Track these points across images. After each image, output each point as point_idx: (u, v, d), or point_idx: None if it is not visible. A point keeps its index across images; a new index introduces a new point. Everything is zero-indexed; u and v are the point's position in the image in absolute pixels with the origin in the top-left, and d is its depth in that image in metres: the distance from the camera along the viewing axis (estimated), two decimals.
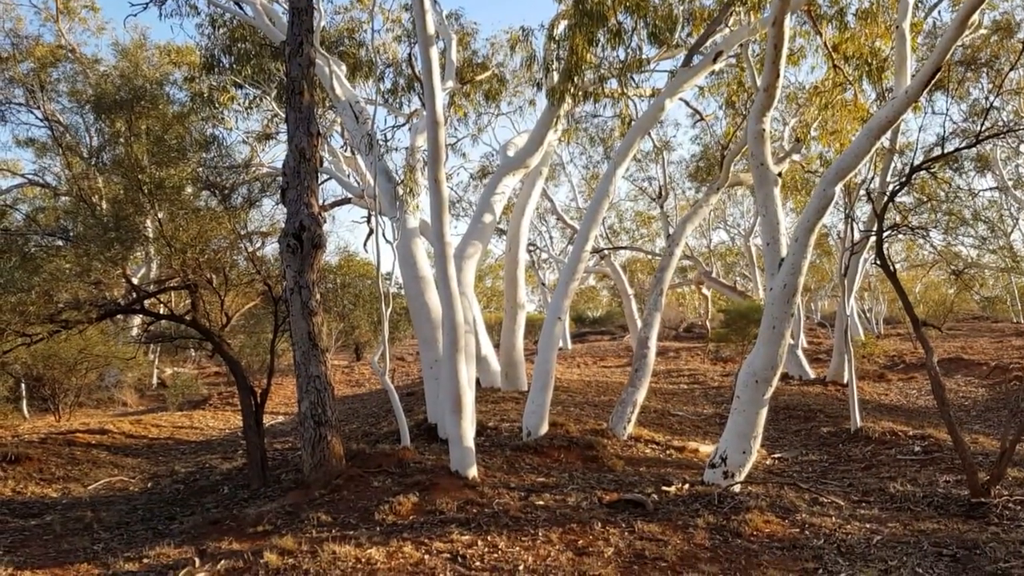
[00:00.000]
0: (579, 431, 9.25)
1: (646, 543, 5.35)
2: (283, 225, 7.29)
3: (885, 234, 7.62)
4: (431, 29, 6.99)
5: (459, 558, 5.09)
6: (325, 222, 7.84)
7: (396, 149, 15.17)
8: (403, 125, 14.35)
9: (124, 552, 5.77)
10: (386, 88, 14.40)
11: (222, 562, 5.14)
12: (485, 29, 44.72)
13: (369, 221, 13.07)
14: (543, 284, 32.20)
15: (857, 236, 12.45)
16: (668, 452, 9.21)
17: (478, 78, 13.98)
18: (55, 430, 12.68)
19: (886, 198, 7.94)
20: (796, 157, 12.14)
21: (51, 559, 5.88)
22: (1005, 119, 15.95)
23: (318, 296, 7.19)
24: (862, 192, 12.05)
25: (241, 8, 11.78)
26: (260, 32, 12.00)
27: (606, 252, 25.18)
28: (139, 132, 10.94)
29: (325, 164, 13.00)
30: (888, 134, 7.60)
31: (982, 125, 8.72)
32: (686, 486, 6.85)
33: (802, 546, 5.34)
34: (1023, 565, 4.84)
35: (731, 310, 21.54)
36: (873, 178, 13.33)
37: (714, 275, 27.36)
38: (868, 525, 5.83)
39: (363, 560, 5.05)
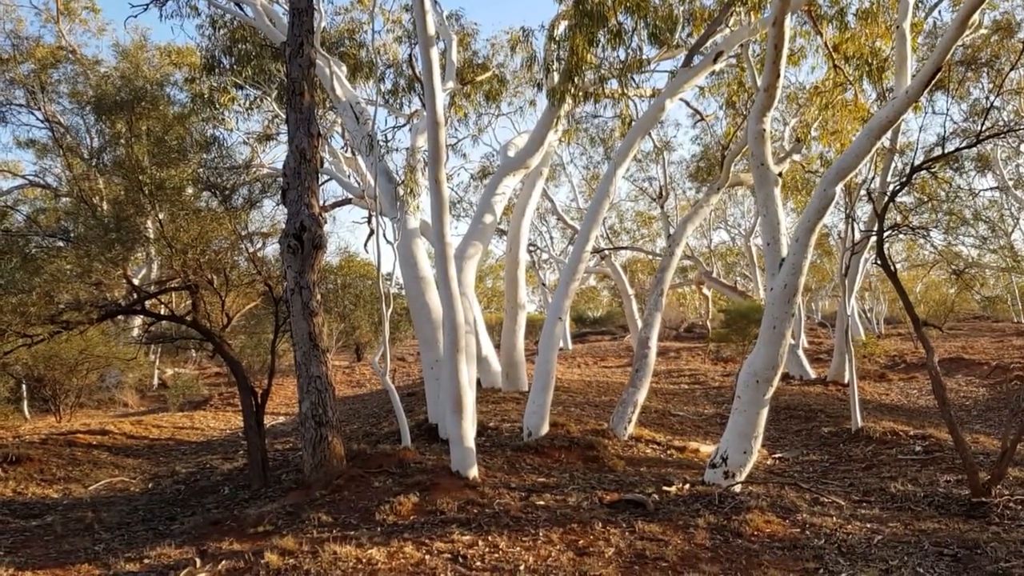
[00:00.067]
0: (580, 431, 9.25)
1: (647, 543, 5.35)
2: (284, 226, 7.29)
3: (886, 234, 7.62)
4: (431, 30, 7.00)
5: (460, 558, 5.09)
6: (326, 223, 7.85)
7: (397, 150, 15.18)
8: (404, 126, 14.37)
9: (125, 552, 5.77)
10: (387, 89, 14.43)
11: (223, 562, 5.15)
12: (485, 30, 44.79)
13: (370, 222, 13.12)
14: (544, 284, 32.21)
15: (858, 236, 12.45)
16: (669, 452, 9.21)
17: (478, 79, 13.98)
18: (56, 431, 12.69)
19: (887, 198, 7.95)
20: (796, 157, 12.14)
21: (52, 560, 5.88)
22: (1005, 119, 15.95)
23: (319, 296, 7.20)
24: (863, 192, 12.04)
25: (241, 9, 11.79)
26: (260, 33, 12.01)
27: (607, 252, 25.18)
28: (140, 133, 10.96)
29: (326, 165, 13.01)
30: (888, 134, 7.60)
31: (982, 125, 8.72)
32: (687, 486, 6.85)
33: (803, 546, 5.34)
34: None
35: (732, 310, 21.55)
36: (874, 178, 13.33)
37: (715, 275, 27.36)
38: (869, 525, 5.83)
39: (364, 560, 5.05)
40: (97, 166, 14.64)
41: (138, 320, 16.32)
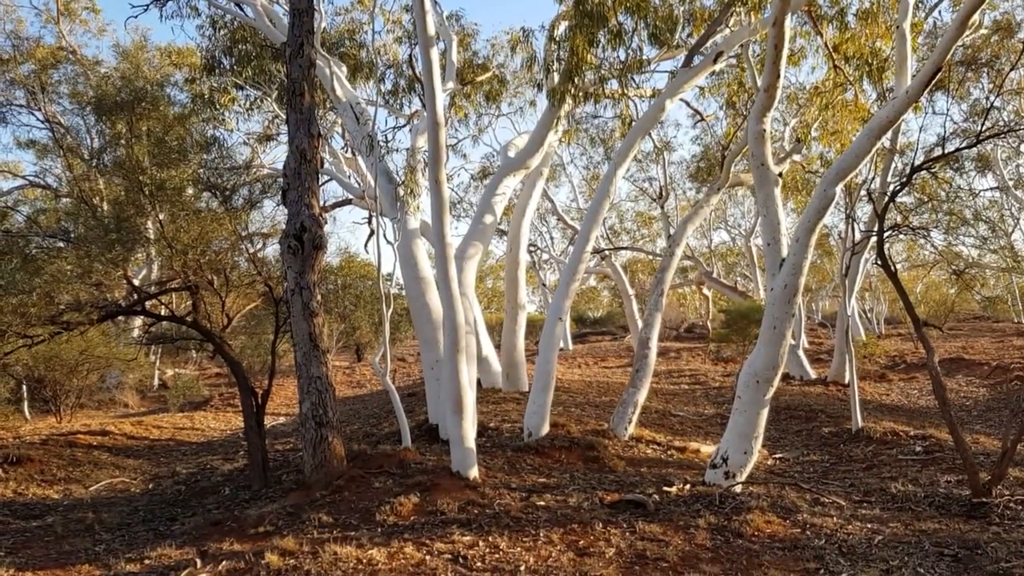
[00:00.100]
0: (580, 432, 9.25)
1: (647, 543, 5.34)
2: (284, 226, 7.29)
3: (886, 234, 7.62)
4: (431, 30, 7.00)
5: (460, 559, 5.09)
6: (326, 223, 7.85)
7: (397, 150, 15.18)
8: (404, 126, 14.36)
9: (125, 553, 5.77)
10: (387, 89, 14.42)
11: (223, 563, 5.15)
12: (486, 30, 44.76)
13: (370, 222, 13.12)
14: (544, 285, 32.20)
15: (858, 236, 12.45)
16: (669, 452, 9.21)
17: (479, 79, 13.98)
18: (56, 431, 12.69)
19: (887, 198, 7.95)
20: (797, 157, 12.14)
21: (52, 560, 5.88)
22: (1006, 119, 15.95)
23: (319, 297, 7.20)
24: (863, 192, 12.04)
25: (242, 9, 11.79)
26: (261, 33, 12.01)
27: (607, 252, 25.18)
28: (140, 133, 10.97)
29: (326, 165, 13.01)
30: (889, 134, 7.60)
31: (983, 125, 8.72)
32: (687, 486, 6.85)
33: (803, 546, 5.34)
34: None
35: (732, 310, 21.56)
36: (874, 178, 13.33)
37: (715, 275, 27.36)
38: (869, 525, 5.83)
39: (364, 561, 5.05)
40: (97, 167, 14.65)
41: (138, 321, 16.32)
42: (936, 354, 7.00)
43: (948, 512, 6.25)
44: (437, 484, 6.62)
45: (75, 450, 11.19)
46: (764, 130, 7.32)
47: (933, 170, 11.98)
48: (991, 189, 21.33)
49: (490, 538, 5.45)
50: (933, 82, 6.36)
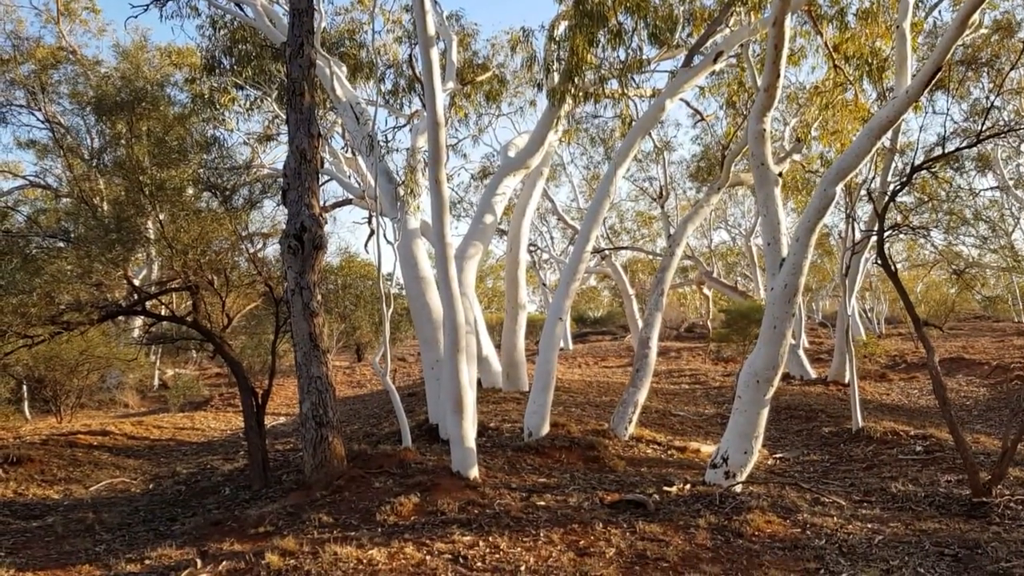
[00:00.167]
0: (580, 431, 9.25)
1: (648, 543, 5.35)
2: (284, 226, 7.29)
3: (886, 234, 7.62)
4: (431, 30, 6.99)
5: (460, 559, 5.09)
6: (326, 223, 7.85)
7: (397, 150, 15.16)
8: (404, 126, 14.36)
9: (126, 553, 5.77)
10: (387, 89, 14.42)
11: (224, 563, 5.15)
12: (486, 30, 44.75)
13: (370, 222, 13.12)
14: (544, 284, 32.20)
15: (858, 236, 12.44)
16: (669, 452, 9.21)
17: (479, 79, 13.98)
18: (57, 431, 12.69)
19: (887, 198, 7.95)
20: (797, 157, 12.14)
21: (53, 560, 5.89)
22: (1006, 119, 15.94)
23: (319, 297, 7.20)
24: (863, 192, 12.04)
25: (242, 9, 11.79)
26: (261, 33, 12.01)
27: (607, 252, 25.19)
28: (140, 133, 10.98)
29: (326, 165, 13.01)
30: (889, 134, 7.60)
31: (983, 125, 8.72)
32: (687, 486, 6.85)
33: (804, 546, 5.34)
34: None
35: (732, 310, 21.56)
36: (874, 178, 13.33)
37: (715, 275, 27.37)
38: (870, 525, 5.83)
39: (364, 561, 5.05)
40: (98, 167, 14.65)
41: (139, 321, 16.33)
42: (936, 354, 7.00)
43: (948, 512, 6.25)
44: (437, 484, 6.62)
45: (75, 450, 11.19)
46: (764, 130, 7.32)
47: (933, 170, 11.98)
48: (991, 189, 21.34)
49: (490, 538, 5.45)
50: (933, 82, 6.36)
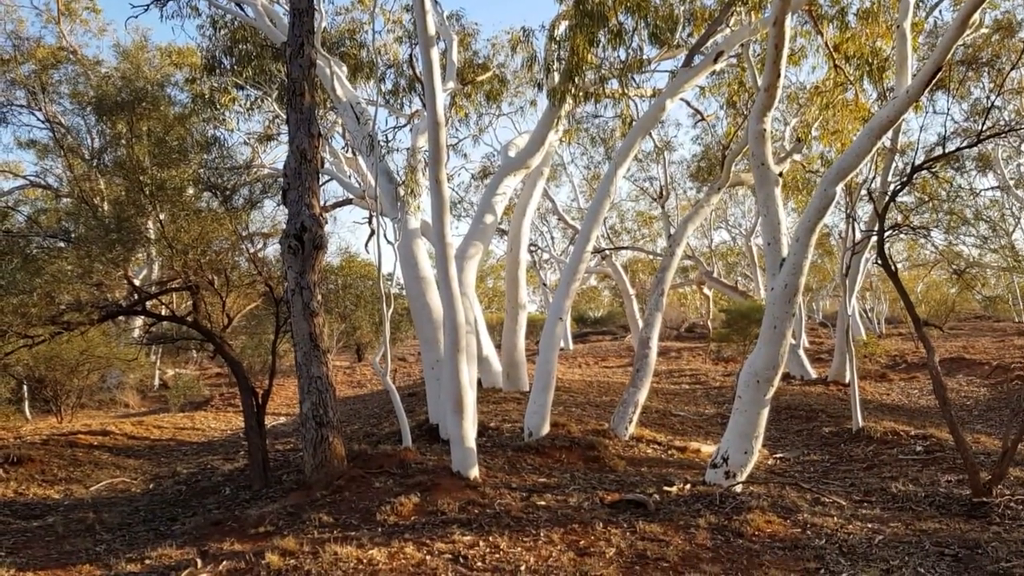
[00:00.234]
0: (581, 431, 9.25)
1: (648, 543, 5.34)
2: (284, 226, 7.30)
3: (886, 234, 7.61)
4: (432, 30, 6.99)
5: (461, 559, 5.09)
6: (326, 223, 7.85)
7: (397, 150, 15.14)
8: (404, 126, 14.37)
9: (126, 553, 5.78)
10: (387, 89, 14.42)
11: (224, 563, 5.15)
12: (486, 30, 44.70)
13: (370, 222, 13.12)
14: (544, 284, 32.20)
15: (858, 236, 12.45)
16: (670, 452, 9.21)
17: (479, 79, 13.98)
18: (57, 431, 12.70)
19: (887, 198, 7.94)
20: (797, 157, 12.13)
21: (53, 560, 5.89)
22: (1006, 118, 15.94)
23: (319, 297, 7.20)
24: (863, 192, 12.04)
25: (242, 9, 11.79)
26: (261, 33, 12.01)
27: (607, 252, 25.19)
28: (140, 133, 10.98)
29: (326, 165, 13.01)
30: (889, 134, 7.60)
31: (983, 124, 8.71)
32: (688, 486, 6.85)
33: (804, 546, 5.34)
34: None
35: (732, 310, 21.54)
36: (874, 178, 13.33)
37: (715, 275, 27.36)
38: (870, 525, 5.83)
39: (365, 561, 5.05)
40: (98, 167, 14.66)
41: (139, 321, 16.33)
42: (936, 354, 6.99)
43: (949, 512, 6.24)
44: (437, 484, 6.62)
45: (76, 450, 11.19)
46: (765, 130, 7.32)
47: (934, 170, 11.98)
48: (992, 188, 21.33)
49: (490, 538, 5.45)
50: (934, 81, 6.36)
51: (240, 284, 9.89)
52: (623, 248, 29.88)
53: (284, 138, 14.90)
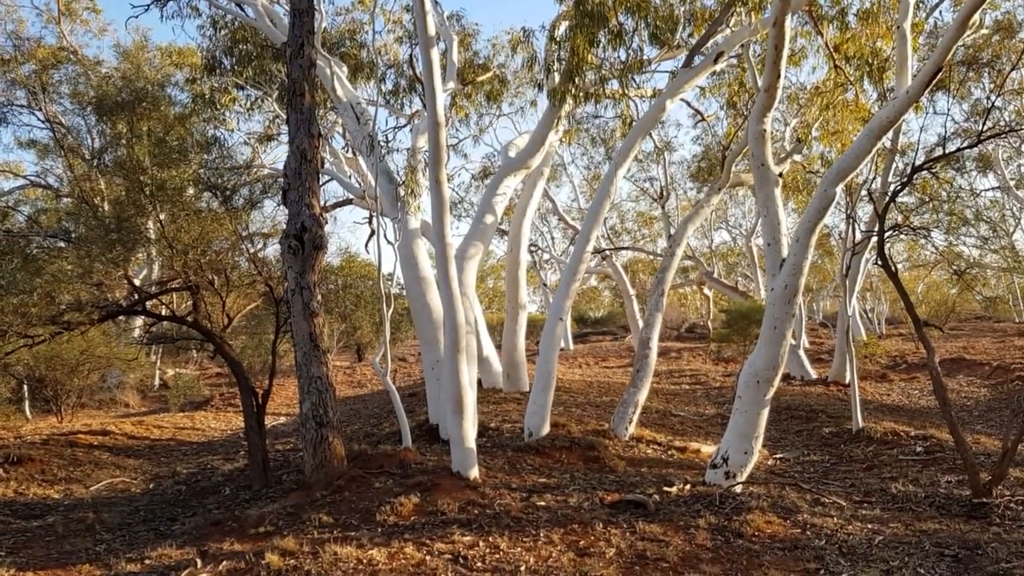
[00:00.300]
0: (581, 432, 9.25)
1: (648, 544, 5.34)
2: (284, 226, 7.30)
3: (887, 234, 7.61)
4: (432, 30, 7.00)
5: (460, 559, 5.09)
6: (326, 223, 7.85)
7: (397, 150, 15.16)
8: (404, 126, 14.37)
9: (126, 553, 5.78)
10: (387, 89, 14.42)
11: (224, 563, 5.15)
12: (486, 30, 44.75)
13: (370, 222, 13.12)
14: (545, 285, 32.20)
15: (859, 236, 12.45)
16: (670, 453, 9.21)
17: (479, 79, 13.98)
18: (57, 431, 12.70)
19: (888, 198, 7.94)
20: (797, 157, 12.13)
21: (53, 560, 5.89)
22: (1007, 119, 15.94)
23: (319, 297, 7.20)
24: (863, 192, 12.04)
25: (242, 10, 11.80)
26: (261, 34, 12.02)
27: (608, 252, 25.19)
28: (141, 133, 10.98)
29: (326, 165, 13.02)
30: (889, 134, 7.60)
31: (983, 125, 8.72)
32: (687, 487, 6.85)
33: (804, 547, 5.34)
34: None
35: (733, 310, 21.56)
36: (874, 178, 13.33)
37: (716, 275, 27.36)
38: (870, 525, 5.83)
39: (364, 561, 5.05)
40: (98, 167, 14.66)
41: (139, 321, 16.33)
42: (937, 354, 6.99)
43: (949, 512, 6.24)
44: (437, 484, 6.62)
45: (76, 450, 11.19)
46: (765, 130, 7.32)
47: (934, 170, 11.98)
48: (992, 189, 21.33)
49: (490, 538, 5.45)
50: (934, 82, 6.36)
51: (240, 284, 9.89)
52: (623, 248, 29.90)
53: (284, 138, 14.91)
